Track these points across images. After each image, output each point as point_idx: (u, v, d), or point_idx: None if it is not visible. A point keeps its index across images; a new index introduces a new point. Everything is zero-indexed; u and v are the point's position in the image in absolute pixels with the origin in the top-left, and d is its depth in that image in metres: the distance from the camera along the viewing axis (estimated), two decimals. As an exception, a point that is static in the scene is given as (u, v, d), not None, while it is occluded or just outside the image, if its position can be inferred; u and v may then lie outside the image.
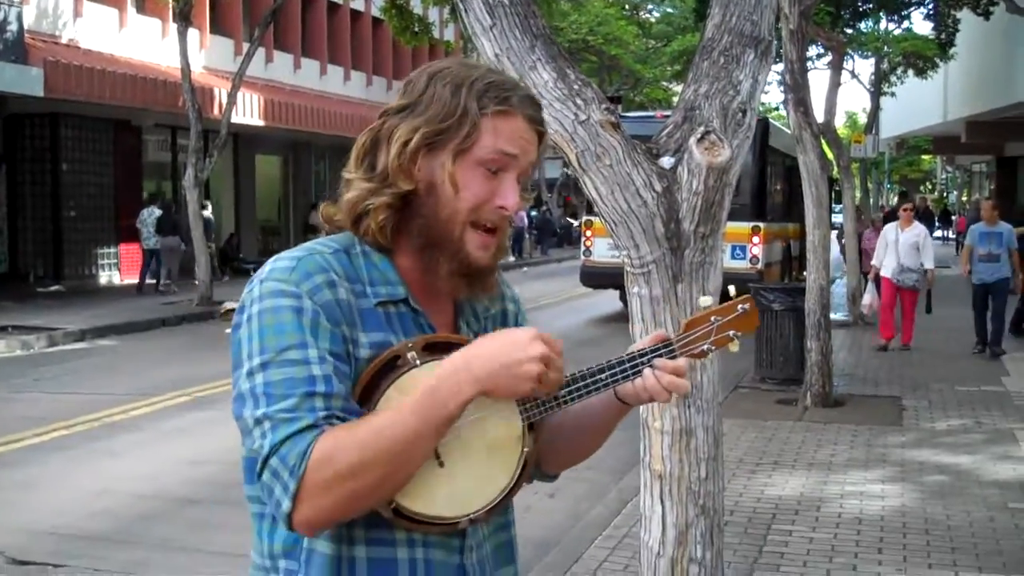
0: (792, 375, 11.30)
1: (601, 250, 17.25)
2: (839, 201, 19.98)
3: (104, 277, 23.43)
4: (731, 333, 1.85)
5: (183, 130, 21.98)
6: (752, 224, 17.23)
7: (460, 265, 1.76)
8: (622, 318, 15.65)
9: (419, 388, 1.62)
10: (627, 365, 1.79)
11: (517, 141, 1.76)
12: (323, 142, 30.63)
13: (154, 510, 7.09)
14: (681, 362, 1.81)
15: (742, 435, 8.98)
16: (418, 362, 1.68)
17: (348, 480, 1.56)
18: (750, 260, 17.20)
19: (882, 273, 14.08)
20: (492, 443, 1.72)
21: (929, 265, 13.86)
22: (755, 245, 17.33)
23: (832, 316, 11.62)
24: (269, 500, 1.60)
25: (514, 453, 1.75)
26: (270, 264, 1.73)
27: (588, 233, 18.44)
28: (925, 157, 57.12)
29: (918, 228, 14.01)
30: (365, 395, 1.67)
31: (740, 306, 1.86)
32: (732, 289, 1.97)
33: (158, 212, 21.94)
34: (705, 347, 1.83)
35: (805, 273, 11.55)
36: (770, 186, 19.00)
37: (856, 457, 8.33)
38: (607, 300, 19.56)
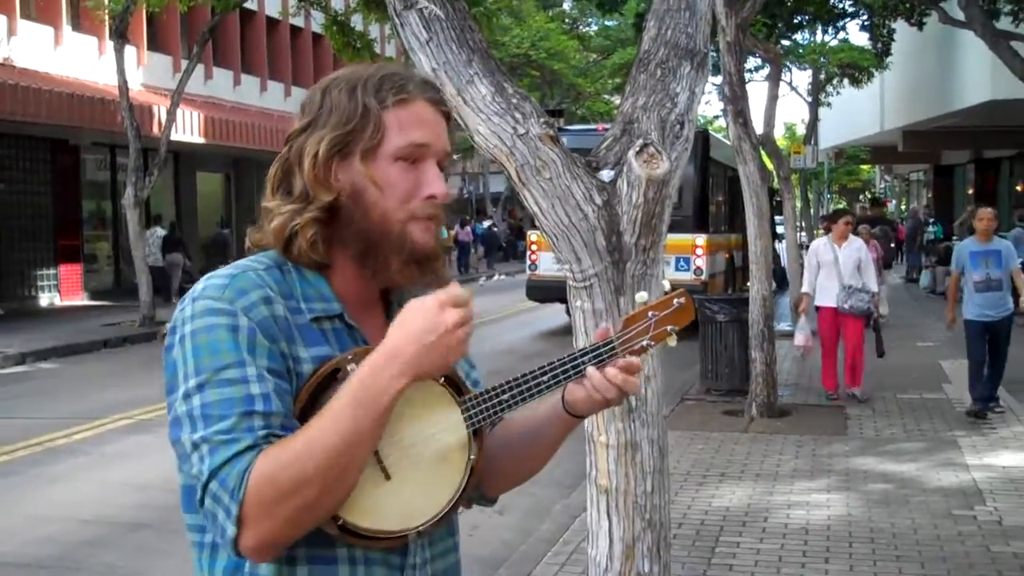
0: (737, 386, 11.36)
1: (546, 264, 17.29)
2: (780, 212, 20.19)
3: (44, 299, 23.06)
4: (668, 328, 1.84)
5: (122, 148, 21.72)
6: (695, 236, 17.35)
7: (410, 254, 1.73)
8: (569, 331, 15.67)
9: (347, 389, 1.57)
10: (568, 365, 1.77)
11: (425, 127, 1.74)
12: (265, 159, 30.19)
13: (98, 536, 6.96)
14: (634, 360, 1.80)
15: (689, 447, 9.00)
16: None
17: (291, 496, 1.51)
18: (694, 271, 17.31)
19: (818, 302, 11.20)
20: (437, 452, 1.68)
21: (874, 287, 11.23)
22: (699, 257, 17.45)
23: (776, 326, 11.71)
24: (213, 527, 1.56)
25: (460, 461, 1.72)
26: (202, 283, 1.68)
27: (533, 247, 18.48)
28: (863, 167, 57.86)
29: (857, 242, 11.40)
30: (306, 411, 1.62)
31: (676, 300, 1.86)
32: (667, 284, 1.96)
33: (160, 232, 23.86)
34: (645, 343, 1.83)
35: (748, 284, 11.64)
36: (712, 198, 19.16)
37: (802, 467, 8.37)
38: (553, 314, 19.58)
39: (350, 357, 1.65)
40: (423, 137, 1.73)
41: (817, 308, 11.22)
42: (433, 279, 1.77)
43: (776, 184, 19.44)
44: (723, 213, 20.88)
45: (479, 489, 1.91)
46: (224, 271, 1.70)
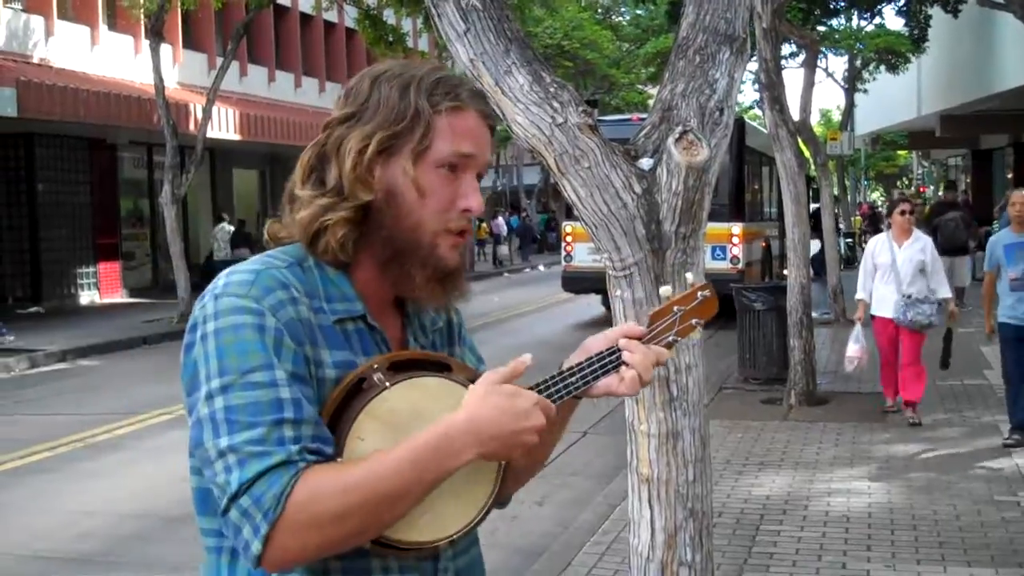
0: (776, 374, 11.30)
1: (581, 255, 17.29)
2: (817, 199, 20.05)
3: (84, 297, 23.28)
4: (694, 321, 1.84)
5: (159, 147, 21.90)
6: (731, 224, 17.27)
7: (435, 270, 1.68)
8: (604, 323, 15.59)
9: (418, 440, 1.53)
10: (597, 366, 1.74)
11: (473, 138, 1.69)
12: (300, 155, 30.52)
13: (141, 530, 7.02)
14: (664, 351, 1.79)
15: (728, 436, 8.97)
16: (387, 384, 1.59)
17: (328, 527, 1.48)
18: (731, 260, 17.23)
19: (875, 311, 9.57)
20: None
21: (946, 294, 9.39)
22: (735, 245, 17.37)
23: (814, 314, 11.64)
24: (235, 538, 1.49)
25: (492, 466, 1.68)
26: (224, 277, 1.62)
27: (569, 238, 18.45)
28: (900, 152, 57.39)
29: (922, 240, 9.41)
30: (333, 421, 1.58)
31: (700, 293, 1.86)
32: (690, 276, 1.93)
33: (228, 227, 24.35)
34: (671, 338, 1.82)
35: (786, 271, 11.56)
36: (748, 186, 19.05)
37: (842, 455, 8.32)
38: (587, 306, 19.55)
39: (375, 366, 1.61)
40: (470, 148, 1.68)
41: (872, 318, 9.61)
42: (455, 296, 1.75)
43: (813, 171, 19.32)
44: (759, 201, 20.76)
45: None
46: (247, 266, 1.64)
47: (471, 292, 1.82)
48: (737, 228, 17.42)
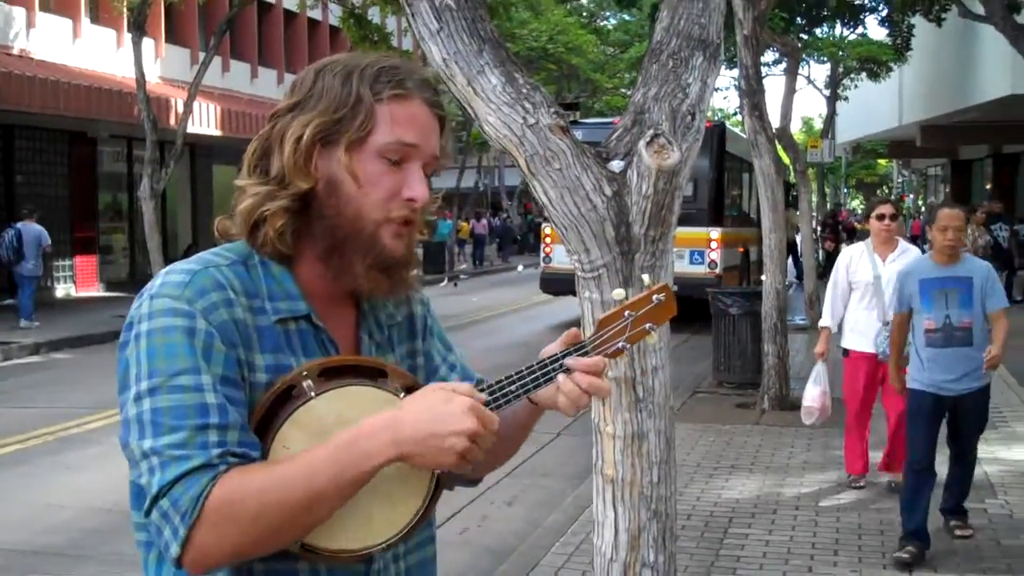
0: (750, 379, 11.35)
1: (560, 256, 17.30)
2: (796, 206, 20.13)
3: (60, 290, 23.16)
4: (647, 326, 1.75)
5: (139, 141, 21.80)
6: (710, 229, 17.33)
7: (376, 259, 1.65)
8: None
9: (335, 440, 1.50)
10: (538, 373, 1.67)
11: (417, 128, 1.66)
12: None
13: (111, 524, 6.99)
14: (597, 360, 1.69)
15: (700, 439, 9.00)
16: (313, 393, 1.56)
17: (244, 529, 1.46)
18: (708, 265, 17.29)
19: (848, 343, 7.45)
20: (401, 467, 1.56)
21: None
22: (713, 250, 17.43)
23: (788, 320, 11.69)
24: (157, 539, 1.49)
25: (425, 473, 1.63)
26: (160, 277, 1.59)
27: (547, 240, 18.48)
28: (881, 161, 57.70)
29: (910, 252, 7.23)
30: (261, 427, 1.55)
31: (655, 296, 1.76)
32: (647, 278, 1.86)
33: None
34: (620, 344, 1.73)
35: (762, 277, 11.61)
36: (727, 191, 19.13)
37: (812, 459, 8.37)
38: (565, 306, 19.57)
39: (305, 372, 1.57)
40: (413, 137, 1.65)
41: (844, 353, 7.51)
42: (400, 286, 1.71)
43: (793, 178, 19.40)
44: (738, 206, 20.84)
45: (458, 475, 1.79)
46: (184, 265, 1.61)
47: (419, 281, 1.78)
48: (715, 233, 17.49)
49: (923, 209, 42.27)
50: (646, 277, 1.89)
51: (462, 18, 3.46)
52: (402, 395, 1.60)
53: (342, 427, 1.53)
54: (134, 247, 25.71)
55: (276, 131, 1.67)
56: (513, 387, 1.65)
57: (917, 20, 22.55)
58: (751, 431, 9.44)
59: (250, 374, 1.58)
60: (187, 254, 26.37)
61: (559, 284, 17.68)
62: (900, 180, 62.72)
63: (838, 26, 29.11)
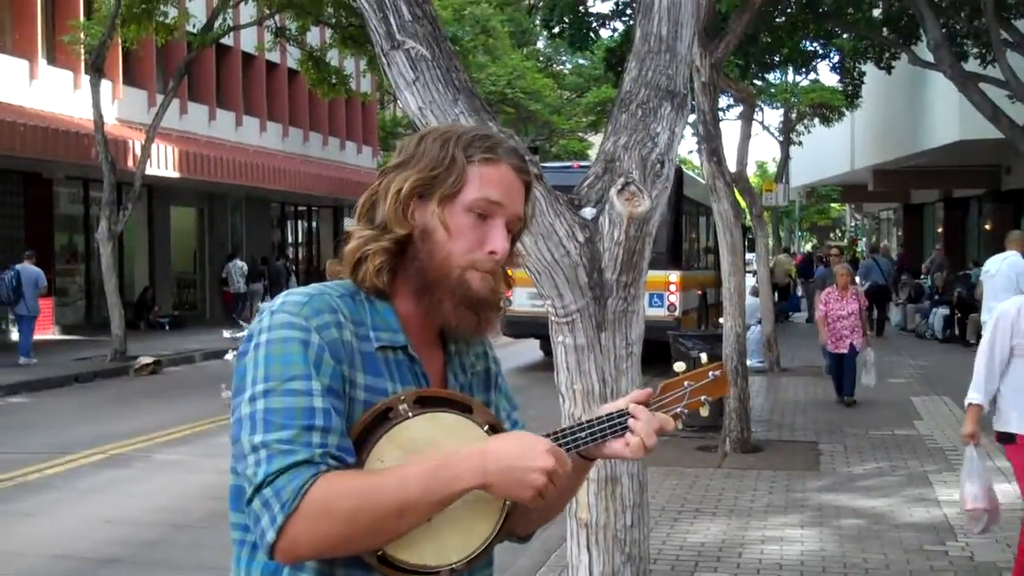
0: (711, 422, 11.40)
1: (521, 299, 17.33)
2: (752, 249, 20.35)
3: (15, 334, 22.86)
4: (702, 398, 1.98)
5: (96, 182, 21.67)
6: (669, 272, 17.46)
7: (463, 298, 1.85)
8: (543, 367, 15.63)
9: (429, 460, 1.69)
10: (606, 425, 1.88)
11: (502, 188, 1.87)
12: (239, 193, 30.40)
13: (70, 571, 6.91)
14: (667, 419, 1.94)
15: (664, 482, 9.03)
16: (410, 414, 1.75)
17: (337, 526, 1.63)
18: (668, 308, 17.41)
19: (1008, 426, 5.61)
20: (476, 495, 1.75)
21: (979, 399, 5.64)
22: (672, 293, 17.55)
23: (748, 363, 11.79)
24: (254, 527, 1.66)
25: (496, 503, 1.79)
26: (282, 297, 1.81)
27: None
28: (834, 205, 58.43)
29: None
30: (358, 443, 1.72)
31: (711, 373, 1.99)
32: (704, 357, 2.07)
33: (241, 263, 28.81)
34: (679, 410, 1.96)
35: (721, 320, 11.71)
36: (686, 234, 19.30)
37: (775, 502, 8.43)
38: (528, 349, 19.61)
39: (403, 398, 1.76)
40: (498, 196, 1.86)
41: (1010, 439, 5.60)
42: (486, 325, 1.91)
43: (749, 222, 19.62)
44: (696, 250, 21.02)
45: (510, 531, 2.00)
46: (304, 290, 1.83)
47: (484, 349, 2.03)
48: (675, 276, 17.62)
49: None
50: (703, 356, 2.08)
51: (436, 67, 3.51)
52: (486, 428, 1.82)
53: (432, 448, 1.74)
54: (90, 290, 25.47)
55: (383, 186, 1.89)
56: (583, 435, 1.87)
57: (868, 67, 22.96)
58: (713, 474, 9.50)
59: (351, 390, 1.77)
60: (144, 296, 26.15)
61: (520, 327, 17.70)
62: (853, 224, 63.52)
63: (791, 72, 29.61)
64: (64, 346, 21.15)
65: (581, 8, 19.68)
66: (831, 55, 24.29)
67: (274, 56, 31.90)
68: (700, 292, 20.23)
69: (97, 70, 18.88)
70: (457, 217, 1.84)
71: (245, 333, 1.83)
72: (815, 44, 22.80)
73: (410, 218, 1.85)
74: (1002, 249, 11.97)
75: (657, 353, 12.56)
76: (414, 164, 1.86)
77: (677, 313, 17.46)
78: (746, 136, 17.65)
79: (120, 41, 20.30)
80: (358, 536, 1.66)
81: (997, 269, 11.31)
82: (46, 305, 23.10)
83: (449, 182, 1.84)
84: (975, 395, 5.65)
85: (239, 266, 28.80)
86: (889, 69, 21.26)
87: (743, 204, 16.62)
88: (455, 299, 1.84)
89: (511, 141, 1.95)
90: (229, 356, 16.47)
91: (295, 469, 1.63)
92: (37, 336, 22.57)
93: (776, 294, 29.51)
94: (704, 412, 2.00)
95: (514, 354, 19.99)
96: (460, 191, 1.84)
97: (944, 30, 17.06)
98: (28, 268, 18.42)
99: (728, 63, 15.59)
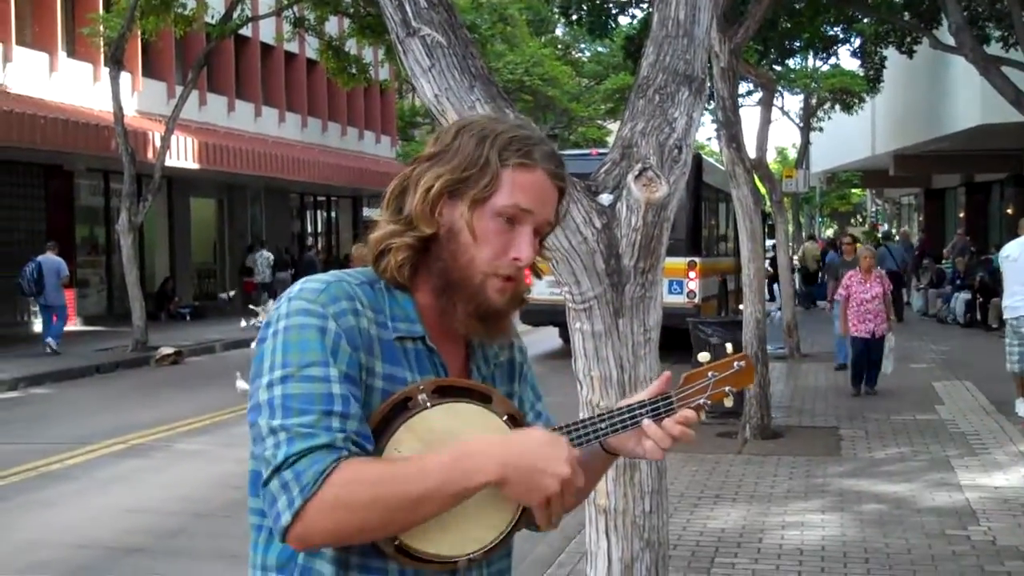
0: (731, 408, 11.37)
1: (540, 288, 17.30)
2: (772, 235, 20.28)
3: (38, 324, 23.00)
4: (726, 389, 1.95)
5: (116, 174, 21.78)
6: (688, 259, 17.41)
7: (477, 307, 1.82)
8: (563, 355, 15.62)
9: (450, 452, 1.67)
10: (627, 416, 1.88)
11: (534, 195, 1.83)
12: (259, 184, 30.48)
13: (92, 560, 6.96)
14: (691, 413, 1.91)
15: (683, 469, 9.03)
16: (428, 404, 1.74)
17: (354, 513, 1.62)
18: (687, 295, 17.37)
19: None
20: (495, 491, 1.74)
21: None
22: (692, 280, 17.51)
23: (768, 349, 11.75)
24: (269, 509, 1.64)
25: (513, 502, 1.78)
26: (299, 284, 1.80)
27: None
28: (855, 191, 58.14)
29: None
30: (376, 431, 1.72)
31: (736, 363, 1.96)
32: (729, 347, 2.06)
33: (267, 254, 29.07)
34: (702, 401, 1.93)
35: (741, 306, 11.68)
36: (705, 221, 19.23)
37: (796, 488, 8.41)
38: (548, 337, 19.60)
39: (422, 387, 1.76)
40: (529, 203, 1.82)
41: None
42: (495, 335, 1.90)
43: (769, 208, 19.55)
44: (716, 236, 20.95)
45: (530, 520, 2.00)
46: (322, 277, 1.81)
47: (514, 333, 1.98)
48: (694, 263, 17.58)
49: (897, 238, 42.53)
50: (729, 346, 2.07)
51: (453, 55, 3.50)
52: (505, 418, 1.81)
53: (451, 437, 1.72)
54: (111, 281, 25.59)
55: (415, 174, 1.86)
56: (604, 425, 1.87)
57: (889, 52, 22.79)
58: (733, 460, 9.48)
59: (368, 378, 1.76)
60: (164, 287, 26.29)
61: (539, 315, 17.68)
62: (874, 209, 63.22)
63: (811, 58, 29.45)
64: (86, 337, 21.28)
65: (599, -5, 19.58)
66: (852, 40, 24.12)
67: (292, 46, 31.91)
68: (720, 279, 20.17)
69: (116, 62, 18.94)
70: (485, 221, 1.81)
71: (260, 319, 1.84)
72: (836, 29, 22.64)
73: (438, 216, 1.82)
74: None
75: (677, 340, 12.57)
76: (448, 160, 1.82)
77: (697, 300, 17.42)
78: (766, 122, 17.58)
79: (139, 33, 20.34)
80: (372, 525, 1.65)
81: (1020, 252, 11.21)
82: (68, 297, 23.25)
83: (481, 185, 1.80)
84: None
85: (266, 256, 28.96)
86: (911, 53, 21.09)
87: (763, 190, 16.56)
88: (469, 308, 1.82)
89: (549, 144, 1.90)
90: (254, 346, 16.55)
91: (316, 452, 1.62)
92: (60, 327, 22.76)
93: (805, 281, 29.43)
94: (728, 403, 1.98)
95: (533, 342, 19.98)
96: (491, 196, 1.80)
97: (965, 13, 16.91)
98: (50, 258, 18.65)
99: (748, 49, 15.52)
